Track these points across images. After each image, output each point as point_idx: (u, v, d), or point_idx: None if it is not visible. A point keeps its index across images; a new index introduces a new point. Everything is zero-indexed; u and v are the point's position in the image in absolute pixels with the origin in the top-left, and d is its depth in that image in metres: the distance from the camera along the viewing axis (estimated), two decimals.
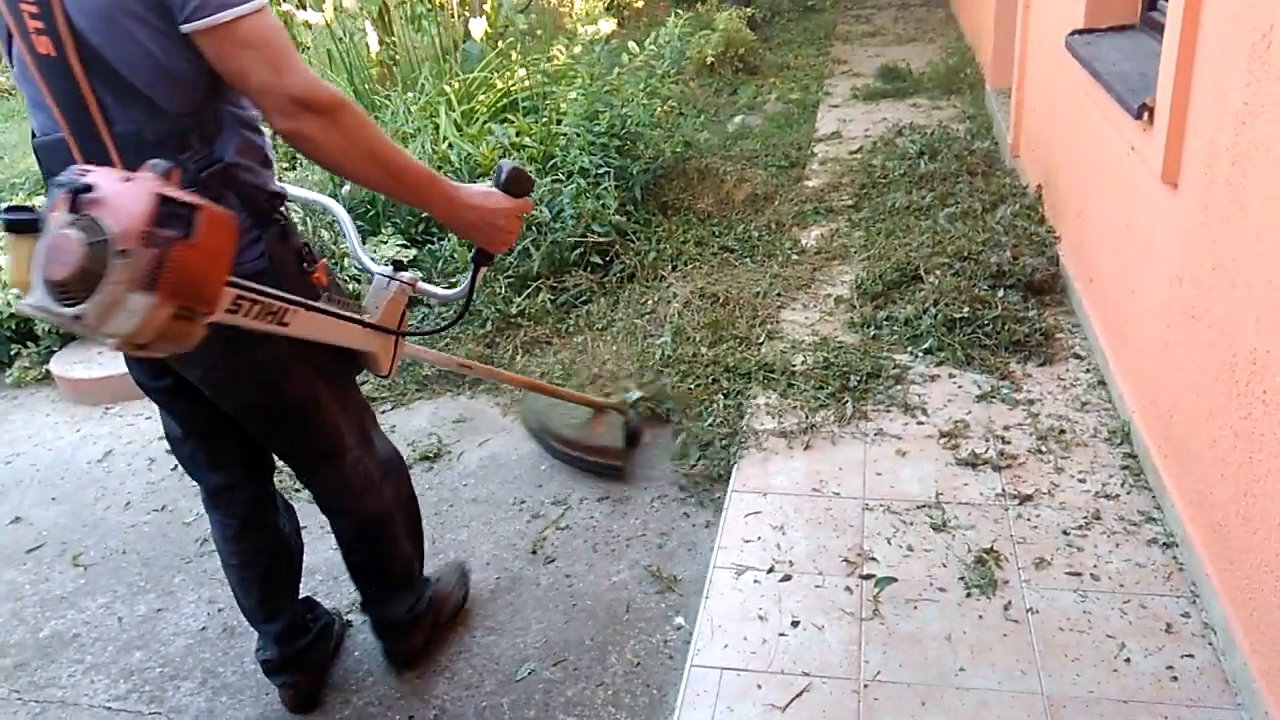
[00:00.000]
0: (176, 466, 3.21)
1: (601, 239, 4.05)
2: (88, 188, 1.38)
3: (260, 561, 2.11)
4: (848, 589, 2.31)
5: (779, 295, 3.83)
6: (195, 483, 2.10)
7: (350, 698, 2.24)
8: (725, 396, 3.19)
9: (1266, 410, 1.85)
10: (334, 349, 1.88)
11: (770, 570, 2.40)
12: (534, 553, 2.66)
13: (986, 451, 2.75)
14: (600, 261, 4.11)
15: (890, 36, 8.63)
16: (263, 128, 1.76)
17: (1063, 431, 2.81)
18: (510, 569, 2.60)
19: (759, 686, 2.07)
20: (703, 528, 2.71)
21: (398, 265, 2.02)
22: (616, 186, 4.37)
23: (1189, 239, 2.29)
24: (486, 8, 5.48)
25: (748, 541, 2.51)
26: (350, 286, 3.72)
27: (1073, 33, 3.47)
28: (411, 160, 1.72)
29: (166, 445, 3.27)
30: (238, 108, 1.67)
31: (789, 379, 3.20)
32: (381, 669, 2.32)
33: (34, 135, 1.71)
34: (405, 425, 3.29)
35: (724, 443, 2.99)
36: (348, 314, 1.85)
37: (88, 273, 1.34)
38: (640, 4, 10.58)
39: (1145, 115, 2.53)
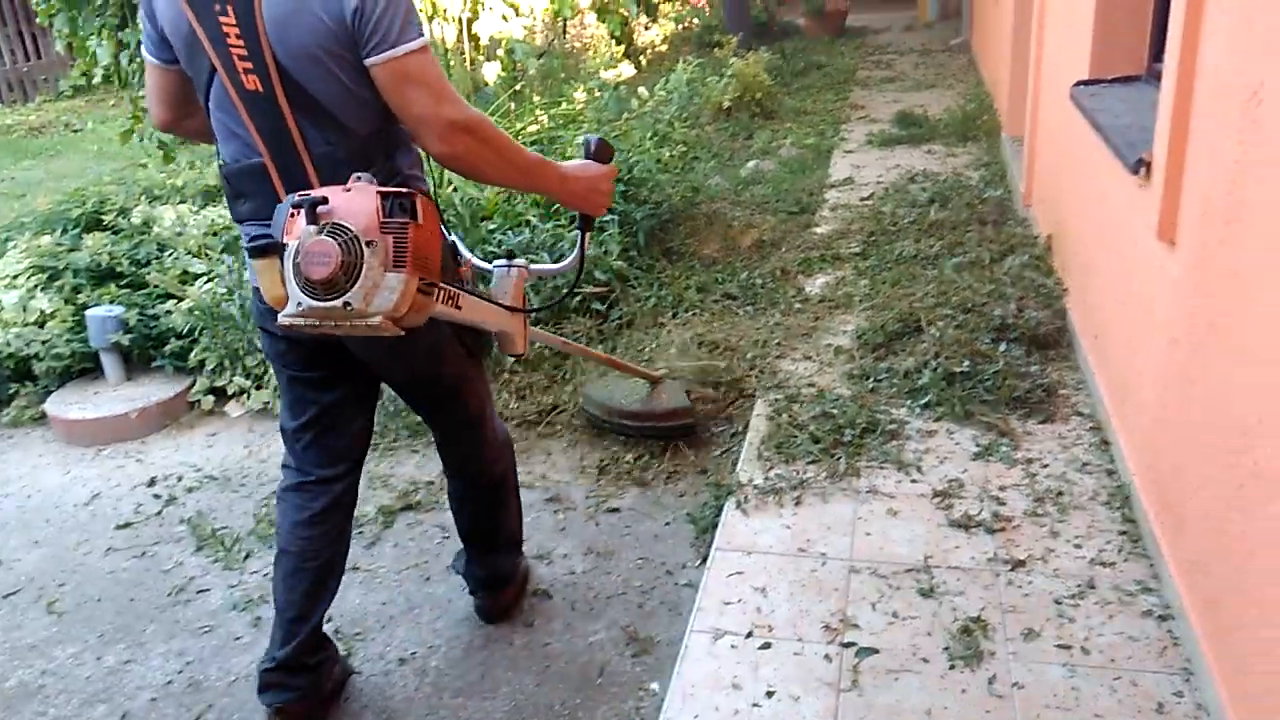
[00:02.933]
0: (160, 511, 3.20)
1: (599, 287, 4.02)
2: (324, 200, 1.66)
3: (324, 553, 2.21)
4: (827, 657, 2.22)
5: (779, 344, 3.77)
6: (295, 471, 2.21)
7: None
8: (717, 449, 3.12)
9: (1257, 483, 1.76)
10: (475, 334, 2.18)
11: (749, 635, 2.32)
12: None
13: (980, 513, 2.66)
14: (600, 308, 4.07)
15: (910, 82, 8.62)
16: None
17: (1060, 493, 2.71)
18: (485, 627, 2.54)
19: None
20: (685, 587, 2.63)
21: (509, 255, 2.24)
22: (620, 232, 4.35)
23: (1185, 299, 2.21)
24: (500, 52, 5.51)
25: (728, 604, 2.43)
26: None
27: (1078, 83, 3.41)
28: (532, 154, 1.98)
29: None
30: (403, 126, 1.93)
31: (782, 432, 3.13)
32: None
33: (224, 164, 1.95)
34: (392, 472, 3.25)
35: (714, 496, 2.93)
36: (491, 299, 2.11)
37: (348, 265, 1.63)
38: (664, 49, 10.66)
39: (1143, 170, 2.46)
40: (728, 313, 4.12)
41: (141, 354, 3.90)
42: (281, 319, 1.71)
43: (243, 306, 3.60)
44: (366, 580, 2.75)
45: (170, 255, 4.04)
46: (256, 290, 1.98)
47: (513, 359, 3.77)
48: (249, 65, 1.78)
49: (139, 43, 5.18)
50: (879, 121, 7.21)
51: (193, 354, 3.79)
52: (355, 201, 1.68)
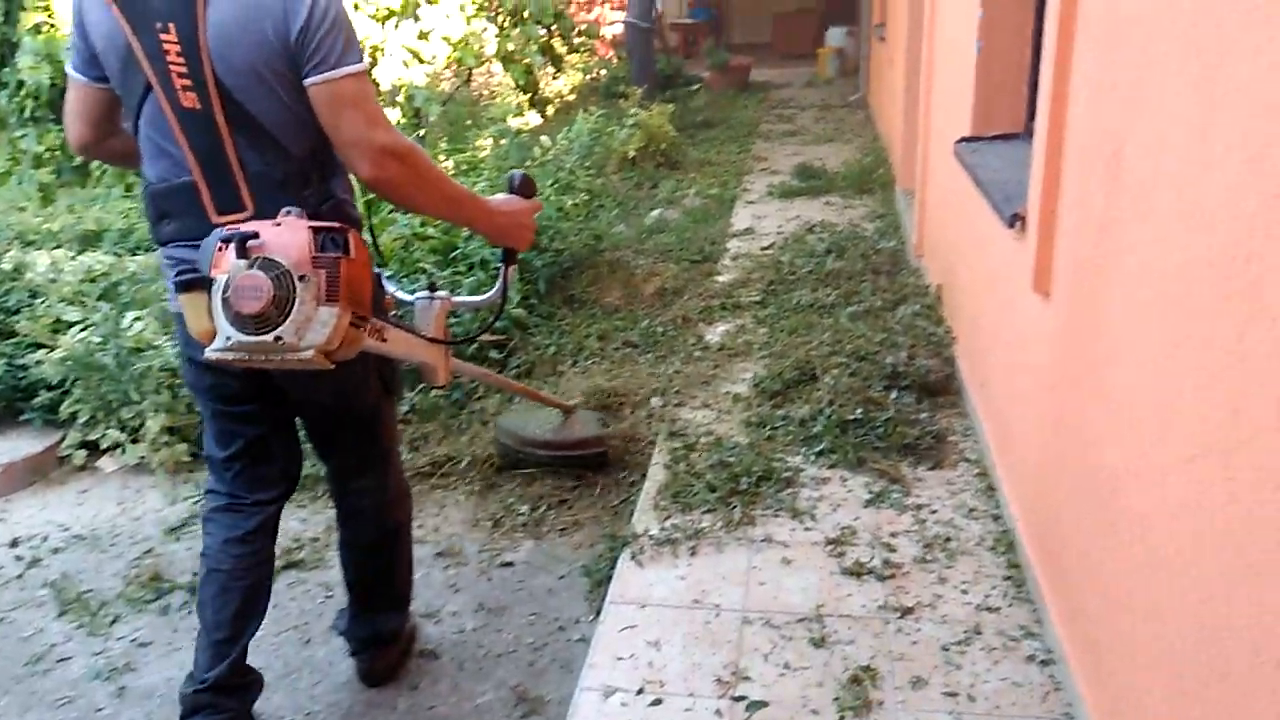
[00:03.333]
0: (22, 574, 3.00)
1: (495, 335, 3.97)
2: (254, 235, 1.66)
3: (253, 573, 2.17)
4: (718, 713, 2.19)
5: (678, 393, 3.76)
6: (225, 495, 2.18)
7: None
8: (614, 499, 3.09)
9: (1127, 527, 1.80)
10: (391, 369, 2.21)
11: (640, 692, 2.27)
12: None
13: (872, 560, 2.68)
14: (498, 356, 4.02)
15: (810, 136, 8.85)
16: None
17: (948, 539, 2.75)
18: (367, 691, 2.43)
19: None
20: (578, 642, 2.57)
21: (432, 287, 2.22)
22: (521, 279, 4.31)
23: (1059, 349, 2.28)
24: (400, 99, 5.46)
25: (620, 659, 2.38)
26: None
27: (960, 140, 3.53)
28: (460, 186, 2.02)
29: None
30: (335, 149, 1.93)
31: (679, 481, 3.11)
32: None
33: (150, 183, 1.91)
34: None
35: (610, 547, 2.88)
36: (415, 331, 2.10)
37: (280, 299, 1.63)
38: (572, 98, 10.75)
39: (1018, 224, 2.54)
40: (628, 360, 4.11)
41: (8, 407, 3.69)
42: (208, 354, 1.70)
43: (117, 356, 3.44)
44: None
45: (42, 303, 3.85)
46: (180, 319, 1.94)
47: (408, 408, 3.70)
48: (188, 82, 1.77)
49: (19, 83, 5.00)
50: (780, 173, 7.37)
51: (64, 406, 3.59)
52: (285, 236, 1.69)
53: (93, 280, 3.90)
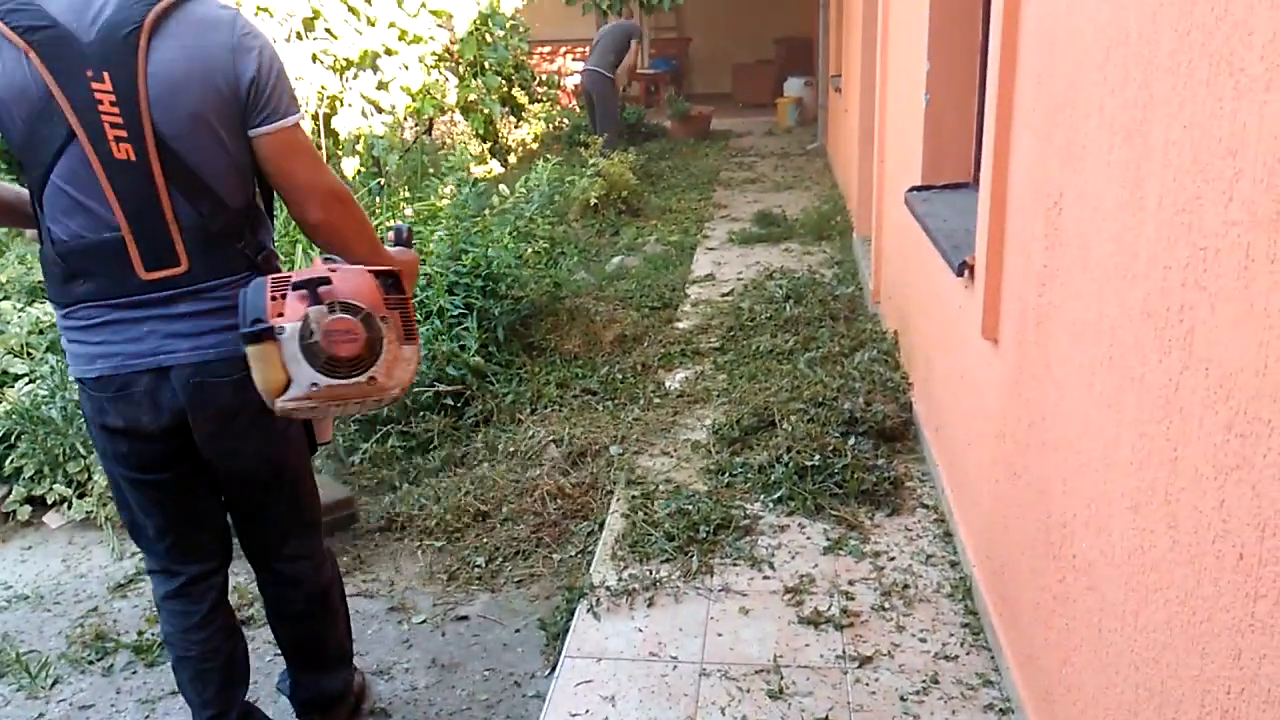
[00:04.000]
0: None
1: (450, 386, 3.95)
2: (326, 280, 1.70)
3: (223, 648, 2.15)
4: None
5: (637, 440, 3.75)
6: (165, 574, 2.11)
7: None
8: (572, 548, 3.06)
9: (1077, 576, 1.81)
10: (309, 427, 2.14)
11: None
12: None
13: (830, 609, 2.66)
14: (455, 404, 3.99)
15: (769, 184, 8.96)
16: None
17: (906, 586, 2.74)
18: None
19: None
20: (534, 698, 2.52)
21: None
22: (480, 327, 4.30)
23: (1008, 395, 2.30)
24: (359, 147, 5.47)
25: (575, 716, 2.34)
26: None
27: (911, 189, 3.59)
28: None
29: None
30: (286, 194, 1.92)
31: (637, 530, 3.08)
32: None
33: (60, 241, 1.79)
34: None
35: (567, 599, 2.85)
36: None
37: (373, 341, 1.71)
38: (535, 146, 10.83)
39: (966, 273, 2.58)
40: (587, 408, 4.09)
41: None
42: (281, 404, 1.71)
43: (64, 409, 3.38)
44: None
45: None
46: (88, 383, 1.86)
47: (358, 459, 3.66)
48: (122, 133, 1.71)
49: None
50: (740, 220, 7.44)
51: (9, 460, 3.51)
52: (352, 281, 1.75)
53: (40, 332, 3.83)
